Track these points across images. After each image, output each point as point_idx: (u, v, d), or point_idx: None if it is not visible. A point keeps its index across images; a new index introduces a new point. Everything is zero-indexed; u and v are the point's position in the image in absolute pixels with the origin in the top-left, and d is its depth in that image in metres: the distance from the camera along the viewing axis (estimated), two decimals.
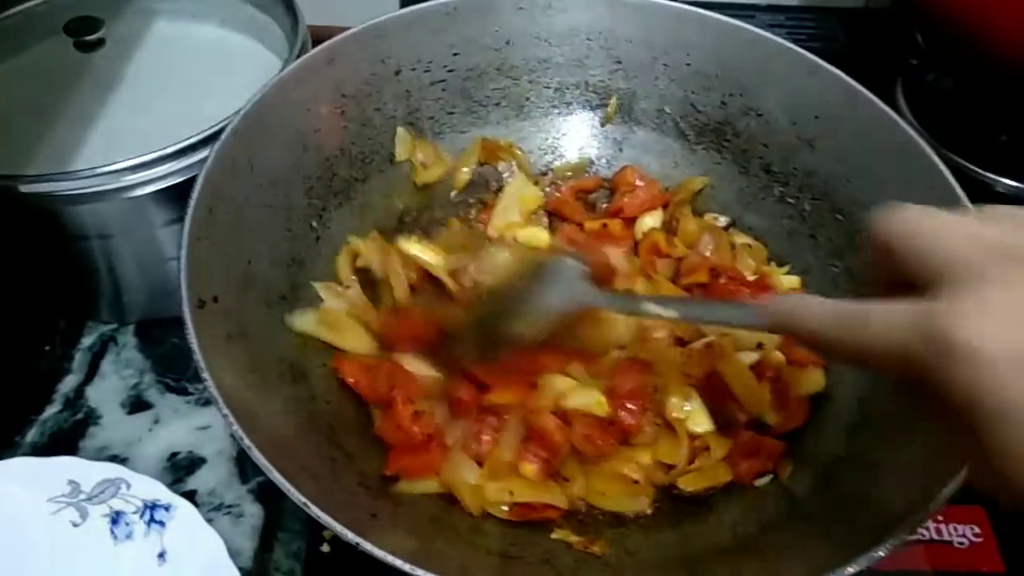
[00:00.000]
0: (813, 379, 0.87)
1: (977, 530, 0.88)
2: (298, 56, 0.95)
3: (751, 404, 0.84)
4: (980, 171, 1.14)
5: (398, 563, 0.59)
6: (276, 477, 0.61)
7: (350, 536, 0.60)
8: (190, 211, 0.75)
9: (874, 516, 0.68)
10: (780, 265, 0.97)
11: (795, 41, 0.96)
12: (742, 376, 0.84)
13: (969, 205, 0.81)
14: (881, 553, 0.61)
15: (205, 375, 0.65)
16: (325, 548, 0.85)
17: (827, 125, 0.94)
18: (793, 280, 0.96)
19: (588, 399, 0.81)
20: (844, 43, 1.42)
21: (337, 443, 0.78)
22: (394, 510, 0.74)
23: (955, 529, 0.88)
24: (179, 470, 0.91)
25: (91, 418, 0.95)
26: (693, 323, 0.85)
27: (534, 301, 0.79)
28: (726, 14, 0.98)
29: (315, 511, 0.61)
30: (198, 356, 0.67)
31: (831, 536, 0.70)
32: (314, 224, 0.92)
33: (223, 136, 0.81)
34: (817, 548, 0.70)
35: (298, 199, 0.90)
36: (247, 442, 0.62)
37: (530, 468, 0.78)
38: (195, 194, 0.76)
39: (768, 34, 0.96)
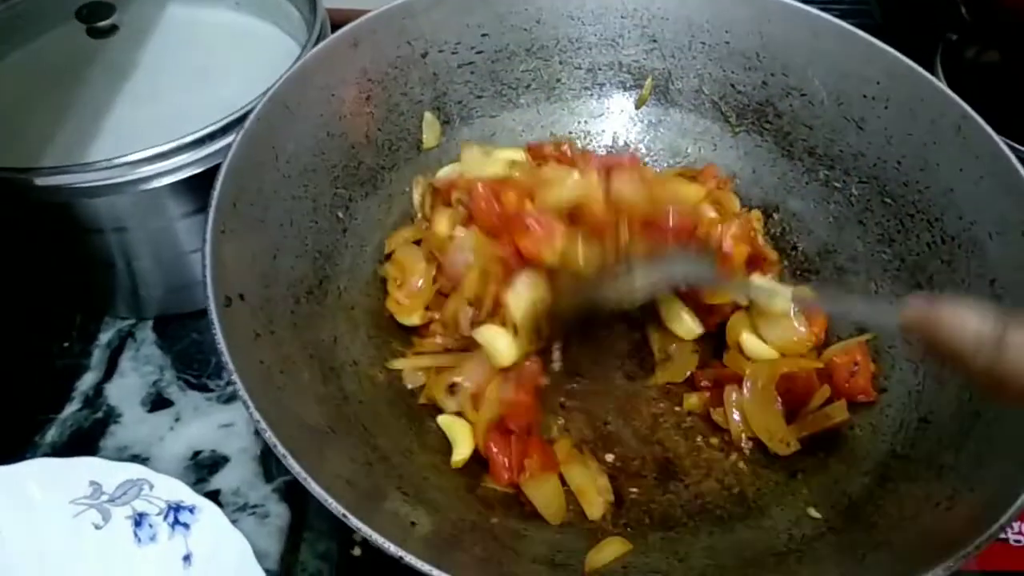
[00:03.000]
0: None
1: None
2: (317, 39, 0.92)
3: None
4: None
5: None
6: (314, 488, 0.58)
7: (392, 549, 0.57)
8: (213, 203, 0.72)
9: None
10: (827, 252, 0.94)
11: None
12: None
13: None
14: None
15: (235, 378, 0.63)
16: (356, 551, 0.82)
17: (876, 104, 0.90)
18: None
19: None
20: (879, 17, 1.37)
21: (372, 444, 0.76)
22: (433, 517, 0.71)
23: (1012, 527, 0.84)
24: (202, 469, 0.89)
25: (111, 417, 0.93)
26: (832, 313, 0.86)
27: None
28: None
29: (354, 522, 0.58)
30: (226, 358, 0.64)
31: (891, 545, 0.67)
32: (340, 215, 0.89)
33: (247, 124, 0.78)
34: (879, 556, 0.67)
35: (324, 189, 0.87)
36: (281, 450, 0.60)
37: None
38: (218, 185, 0.73)
39: (813, 9, 0.93)
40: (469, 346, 0.83)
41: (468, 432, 0.81)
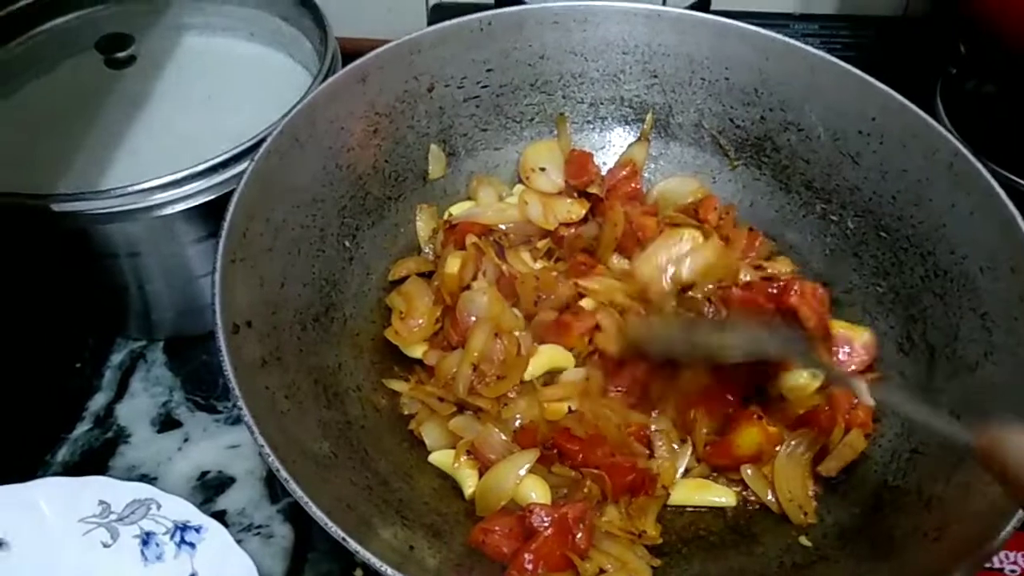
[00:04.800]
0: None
1: None
2: (328, 70, 0.94)
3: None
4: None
5: None
6: (315, 512, 0.60)
7: (389, 572, 0.58)
8: (224, 232, 0.74)
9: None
10: (823, 285, 0.94)
11: (829, 51, 0.94)
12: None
13: (1022, 223, 0.79)
14: None
15: (240, 404, 0.64)
16: (358, 573, 0.83)
17: (871, 140, 0.92)
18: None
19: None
20: (880, 52, 1.38)
21: (373, 469, 0.77)
22: (431, 541, 0.72)
23: (1007, 556, 0.85)
24: (209, 490, 0.91)
25: (121, 436, 0.94)
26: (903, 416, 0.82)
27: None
28: (759, 23, 0.97)
29: (353, 545, 0.59)
30: (233, 384, 0.65)
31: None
32: (347, 244, 0.91)
33: (258, 155, 0.80)
34: None
35: (331, 219, 0.89)
36: (284, 474, 0.61)
37: None
38: (229, 215, 0.75)
39: (810, 48, 0.94)
40: (465, 405, 0.85)
41: (472, 470, 0.81)
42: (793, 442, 0.82)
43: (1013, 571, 0.84)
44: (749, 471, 0.82)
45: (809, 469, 0.81)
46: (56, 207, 0.83)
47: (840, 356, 0.88)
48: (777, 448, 0.82)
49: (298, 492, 0.61)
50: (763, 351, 0.80)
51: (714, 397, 0.84)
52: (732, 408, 0.84)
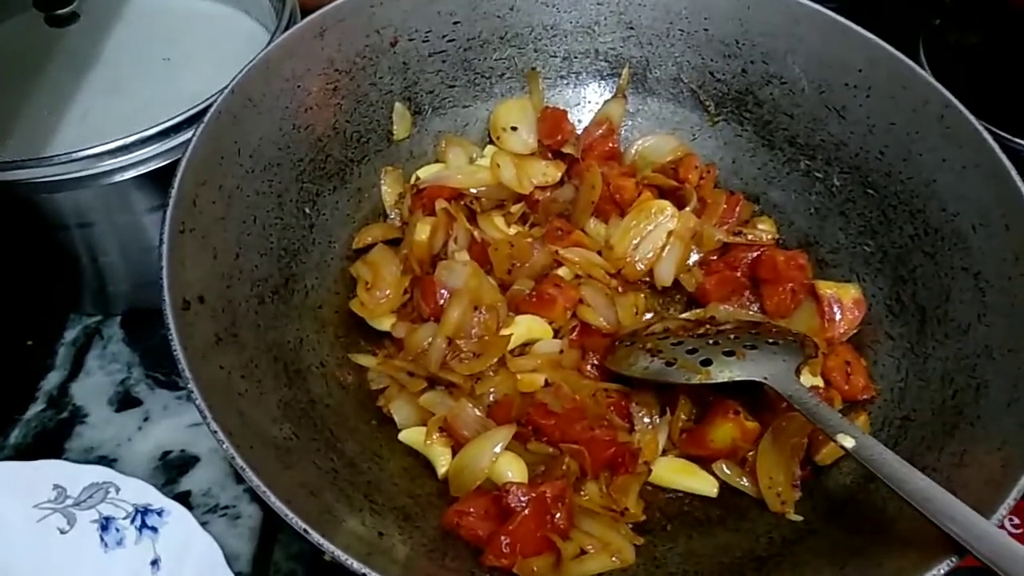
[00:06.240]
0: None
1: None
2: (286, 27, 0.89)
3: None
4: (1008, 136, 1.08)
5: None
6: (273, 501, 0.56)
7: (355, 566, 0.55)
8: (171, 201, 0.70)
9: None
10: (808, 244, 0.92)
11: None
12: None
13: (1017, 178, 0.76)
14: None
15: (192, 386, 0.60)
16: (328, 556, 0.80)
17: (858, 92, 0.88)
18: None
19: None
20: (861, 3, 1.35)
21: (338, 450, 0.74)
22: (402, 526, 0.69)
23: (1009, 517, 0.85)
24: (171, 470, 0.88)
25: (77, 417, 0.92)
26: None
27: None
28: None
29: (316, 538, 0.56)
30: (183, 365, 0.62)
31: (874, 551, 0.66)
32: (307, 211, 0.87)
33: (207, 117, 0.75)
34: (861, 563, 0.65)
35: (289, 184, 0.85)
36: (240, 462, 0.58)
37: None
38: (176, 182, 0.71)
39: None
40: (436, 380, 0.81)
41: (445, 448, 0.78)
42: (778, 427, 0.78)
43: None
44: (725, 468, 0.79)
45: (796, 455, 0.78)
46: None
47: (834, 317, 0.86)
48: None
49: (255, 481, 0.58)
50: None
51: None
52: (711, 396, 0.80)
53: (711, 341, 0.79)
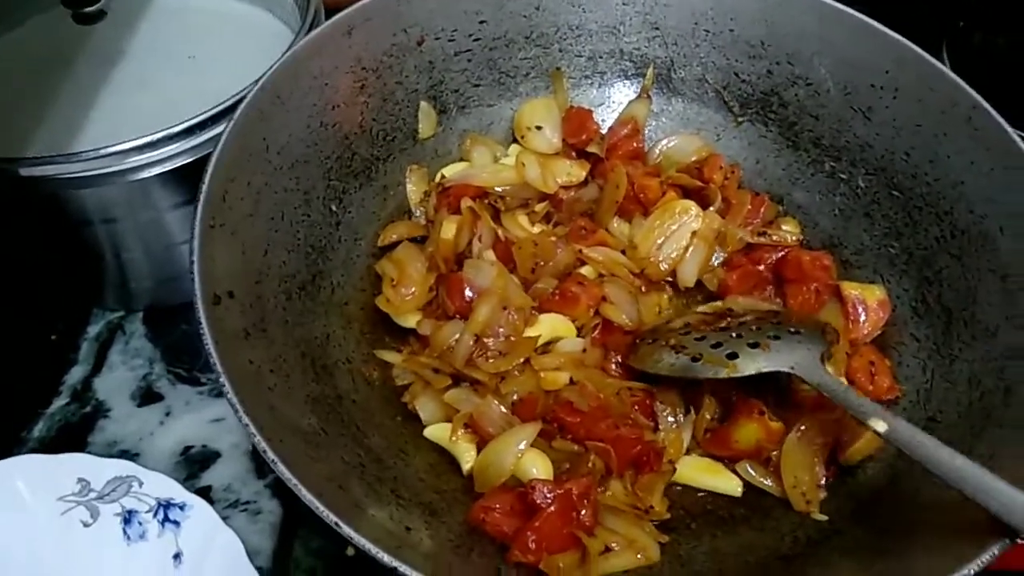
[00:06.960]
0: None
1: None
2: (311, 25, 0.89)
3: None
4: None
5: None
6: (304, 495, 0.57)
7: (386, 559, 0.55)
8: (202, 197, 0.70)
9: None
10: (833, 246, 0.92)
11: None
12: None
13: None
14: None
15: (223, 380, 0.61)
16: (351, 551, 0.81)
17: (885, 94, 0.88)
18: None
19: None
20: (885, 5, 1.35)
21: (365, 445, 0.74)
22: (428, 521, 0.69)
23: None
24: (193, 465, 0.88)
25: (100, 411, 0.92)
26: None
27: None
28: None
29: (346, 531, 0.56)
30: (215, 359, 0.62)
31: (901, 553, 0.66)
32: (334, 208, 0.87)
33: (237, 114, 0.76)
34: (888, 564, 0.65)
35: (316, 181, 0.85)
36: (271, 455, 0.58)
37: None
38: (207, 178, 0.71)
39: None
40: (461, 376, 0.81)
41: (470, 445, 0.78)
42: (804, 426, 0.78)
43: None
44: (749, 468, 0.79)
45: (821, 456, 0.77)
46: (25, 171, 0.79)
47: (858, 319, 0.85)
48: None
49: (287, 475, 0.58)
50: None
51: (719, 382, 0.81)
52: (735, 395, 0.80)
53: (734, 334, 0.79)
